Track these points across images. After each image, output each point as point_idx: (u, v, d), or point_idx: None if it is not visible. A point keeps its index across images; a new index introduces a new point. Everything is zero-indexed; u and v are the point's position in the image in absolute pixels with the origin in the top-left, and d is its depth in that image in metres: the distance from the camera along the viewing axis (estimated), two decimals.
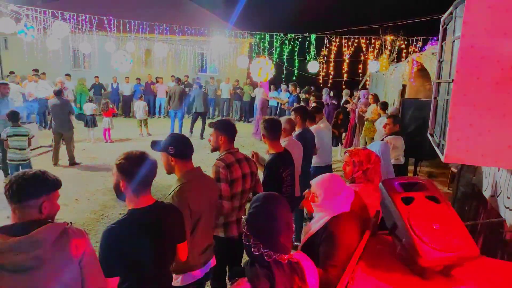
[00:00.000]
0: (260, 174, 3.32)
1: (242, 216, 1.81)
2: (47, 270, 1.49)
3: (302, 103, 8.01)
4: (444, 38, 3.75)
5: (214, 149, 2.98)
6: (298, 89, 12.70)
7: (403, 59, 11.50)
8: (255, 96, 15.13)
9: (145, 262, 1.94)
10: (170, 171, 2.46)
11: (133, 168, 1.90)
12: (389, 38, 12.50)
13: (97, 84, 15.39)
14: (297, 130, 4.59)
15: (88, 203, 6.06)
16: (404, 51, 11.71)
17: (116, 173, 1.94)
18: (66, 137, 8.11)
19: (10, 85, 9.69)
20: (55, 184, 1.66)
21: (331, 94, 12.47)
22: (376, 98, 8.35)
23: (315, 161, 4.88)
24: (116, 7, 19.05)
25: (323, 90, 12.36)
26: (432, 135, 3.64)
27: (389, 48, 12.55)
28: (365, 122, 8.46)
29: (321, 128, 5.15)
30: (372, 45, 11.97)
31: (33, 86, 12.33)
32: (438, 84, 3.71)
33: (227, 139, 2.92)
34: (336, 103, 12.01)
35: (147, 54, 17.00)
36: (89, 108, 10.42)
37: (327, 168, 5.03)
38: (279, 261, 1.47)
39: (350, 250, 2.14)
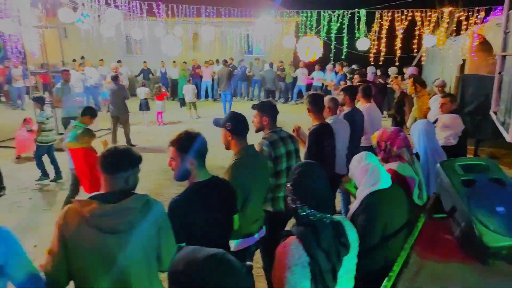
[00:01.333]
0: (302, 151, 3.47)
1: (287, 183, 1.90)
2: (135, 234, 1.70)
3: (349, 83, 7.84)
4: (510, 7, 3.44)
5: (258, 130, 3.13)
6: (345, 68, 12.34)
7: (462, 32, 10.68)
8: (296, 77, 15.02)
9: (206, 230, 2.09)
10: (227, 146, 2.69)
11: (193, 145, 2.09)
12: (446, 9, 11.60)
13: (146, 69, 15.90)
14: (346, 110, 4.53)
15: (145, 183, 6.40)
16: (464, 23, 10.84)
17: (176, 152, 2.10)
18: (122, 120, 8.58)
19: (71, 72, 10.36)
20: (139, 159, 1.87)
21: (378, 72, 11.96)
22: (415, 76, 8.03)
23: (364, 141, 4.75)
24: None
25: (368, 69, 11.93)
26: (496, 113, 3.40)
27: (447, 20, 11.66)
28: (415, 101, 7.84)
29: (371, 108, 4.96)
30: (428, 18, 11.20)
31: (93, 72, 13.08)
32: (504, 57, 3.43)
33: (270, 119, 3.06)
34: (383, 81, 11.44)
35: (194, 37, 17.26)
36: (142, 92, 10.87)
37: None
38: (323, 220, 1.68)
39: (387, 224, 2.19)
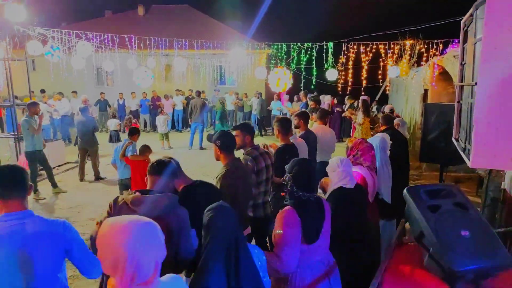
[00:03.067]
0: None
1: (282, 179, 2.56)
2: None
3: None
4: (465, 41, 3.67)
5: (239, 147, 3.50)
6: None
7: (423, 63, 11.29)
8: (251, 105, 15.65)
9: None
10: (217, 158, 3.13)
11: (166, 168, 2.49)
12: (408, 42, 12.30)
13: (103, 100, 15.49)
14: (300, 132, 5.15)
15: None
16: (425, 54, 11.48)
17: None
18: (91, 153, 8.34)
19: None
20: (162, 171, 2.39)
21: (335, 101, 12.78)
22: (364, 104, 8.90)
23: (319, 157, 5.37)
24: (136, 26, 19.67)
25: (321, 96, 12.71)
26: (457, 140, 3.54)
27: (409, 52, 12.34)
28: (357, 127, 8.92)
29: (324, 128, 5.73)
30: (391, 50, 11.81)
31: (58, 104, 12.81)
32: (461, 87, 3.62)
33: (250, 137, 3.54)
34: (340, 110, 12.49)
35: (167, 69, 17.37)
36: (113, 124, 10.68)
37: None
38: (310, 198, 2.39)
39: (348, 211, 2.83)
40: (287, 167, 2.56)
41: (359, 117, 8.73)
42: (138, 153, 5.58)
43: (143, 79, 9.82)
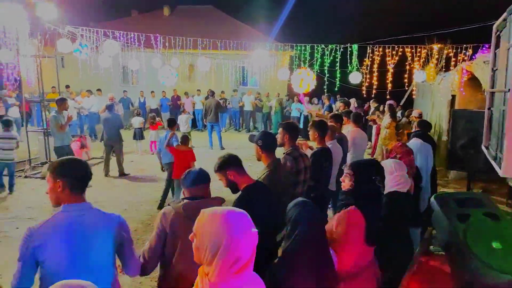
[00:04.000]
0: None
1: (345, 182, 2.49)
2: None
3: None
4: (497, 46, 3.56)
5: (279, 145, 3.52)
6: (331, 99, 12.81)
7: (452, 68, 11.01)
8: (271, 106, 15.70)
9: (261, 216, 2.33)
10: (259, 159, 3.17)
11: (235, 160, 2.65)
12: (436, 46, 12.00)
13: (125, 98, 16.00)
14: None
15: (137, 212, 6.30)
16: (453, 59, 11.18)
17: (221, 174, 2.63)
18: (116, 149, 8.53)
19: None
20: (208, 178, 2.44)
21: (356, 104, 12.72)
22: (391, 108, 8.83)
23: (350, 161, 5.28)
24: (162, 26, 19.98)
25: (351, 100, 12.68)
26: (487, 148, 3.44)
27: (436, 57, 12.04)
28: (382, 130, 8.85)
29: (359, 132, 5.62)
30: (418, 54, 11.56)
31: (86, 101, 13.18)
32: (492, 93, 3.52)
33: (290, 137, 3.52)
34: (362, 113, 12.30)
35: (190, 68, 17.56)
36: (137, 122, 10.91)
37: None
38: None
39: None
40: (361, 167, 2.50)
41: (386, 121, 8.62)
42: (180, 143, 6.42)
43: (168, 78, 9.95)
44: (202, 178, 2.39)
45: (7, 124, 7.30)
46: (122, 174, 8.55)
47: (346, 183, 2.46)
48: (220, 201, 2.31)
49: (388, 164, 2.95)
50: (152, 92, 16.07)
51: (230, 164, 2.60)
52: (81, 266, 1.85)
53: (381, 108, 11.90)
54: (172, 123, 6.86)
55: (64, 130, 7.32)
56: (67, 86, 14.57)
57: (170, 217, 2.18)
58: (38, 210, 6.23)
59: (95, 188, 7.61)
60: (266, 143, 3.09)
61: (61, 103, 7.47)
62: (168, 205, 2.28)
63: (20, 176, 8.11)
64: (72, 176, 1.93)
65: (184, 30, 17.25)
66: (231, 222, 1.34)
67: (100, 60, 12.33)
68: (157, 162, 7.15)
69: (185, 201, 2.24)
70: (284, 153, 3.51)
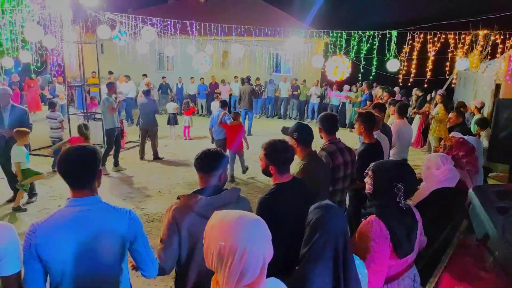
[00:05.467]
0: None
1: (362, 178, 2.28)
2: None
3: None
4: None
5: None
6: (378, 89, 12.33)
7: (498, 55, 10.37)
8: (310, 95, 15.23)
9: (287, 224, 2.11)
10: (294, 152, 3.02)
11: (278, 153, 2.37)
12: (481, 32, 11.32)
13: (164, 84, 16.46)
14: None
15: (170, 195, 6.49)
16: (500, 46, 10.52)
17: (264, 159, 2.41)
18: (151, 133, 8.79)
19: (103, 86, 10.72)
20: (227, 160, 2.23)
21: (400, 94, 12.38)
22: (444, 98, 8.52)
23: (393, 155, 4.96)
24: (197, 12, 20.12)
25: (395, 88, 12.34)
26: None
27: (482, 43, 11.36)
28: (433, 124, 8.62)
29: (404, 124, 5.25)
30: (462, 41, 10.96)
31: (123, 86, 13.61)
32: None
33: (322, 130, 3.34)
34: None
35: (224, 55, 17.64)
36: (171, 107, 11.15)
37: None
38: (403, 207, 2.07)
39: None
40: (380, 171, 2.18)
41: (441, 113, 8.26)
42: (232, 119, 7.28)
43: (202, 64, 10.03)
44: (219, 163, 2.12)
45: (53, 105, 7.94)
46: (156, 158, 8.81)
47: (367, 186, 2.18)
48: (236, 194, 2.12)
49: (433, 159, 2.75)
50: (192, 78, 16.35)
51: (271, 158, 2.37)
52: (86, 265, 1.72)
53: (427, 97, 11.45)
54: (224, 104, 7.63)
55: (115, 112, 7.75)
56: (110, 72, 15.08)
57: (182, 214, 1.99)
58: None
59: (130, 171, 7.90)
60: (302, 136, 2.91)
61: (111, 87, 7.92)
62: (178, 198, 2.09)
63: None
64: (69, 173, 1.78)
65: (219, 16, 17.30)
66: (240, 230, 1.23)
67: (137, 46, 12.65)
68: (190, 146, 7.32)
69: (199, 197, 2.02)
70: (320, 148, 3.29)
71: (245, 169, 7.52)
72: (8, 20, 9.77)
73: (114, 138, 7.75)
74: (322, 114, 3.51)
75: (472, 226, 2.39)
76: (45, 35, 9.25)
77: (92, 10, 9.67)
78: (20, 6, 9.35)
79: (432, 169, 2.72)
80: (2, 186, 6.27)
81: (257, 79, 16.16)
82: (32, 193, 6.01)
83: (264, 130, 12.83)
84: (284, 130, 3.07)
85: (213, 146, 6.62)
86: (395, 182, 2.03)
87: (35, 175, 5.69)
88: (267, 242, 1.28)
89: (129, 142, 10.27)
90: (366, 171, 2.21)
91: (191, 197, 2.02)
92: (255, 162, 8.56)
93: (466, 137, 3.85)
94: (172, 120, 11.14)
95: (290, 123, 3.21)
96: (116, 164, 7.93)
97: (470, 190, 2.44)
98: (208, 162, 2.10)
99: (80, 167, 1.77)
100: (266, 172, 2.44)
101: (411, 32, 11.08)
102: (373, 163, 2.21)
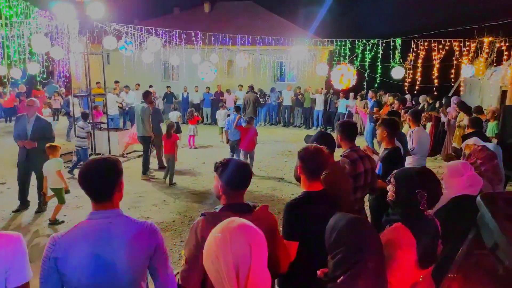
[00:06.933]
0: None
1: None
2: None
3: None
4: None
5: (338, 146, 3.36)
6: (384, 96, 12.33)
7: (503, 62, 10.34)
8: (315, 103, 15.31)
9: (316, 232, 2.04)
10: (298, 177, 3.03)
11: (306, 161, 2.36)
12: (486, 39, 11.30)
13: (169, 93, 16.59)
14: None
15: (175, 204, 6.48)
16: (505, 53, 10.48)
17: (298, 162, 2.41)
18: (156, 142, 8.80)
19: (108, 96, 10.86)
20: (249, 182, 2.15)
21: (413, 101, 12.22)
22: (460, 105, 8.34)
23: (411, 163, 4.87)
24: (202, 22, 20.33)
25: (406, 97, 12.19)
26: None
27: (487, 50, 11.33)
28: (456, 129, 8.36)
29: (420, 131, 5.16)
30: (467, 48, 10.94)
31: (127, 96, 13.70)
32: None
33: (343, 138, 3.31)
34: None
35: (229, 64, 17.76)
36: (174, 116, 11.19)
37: None
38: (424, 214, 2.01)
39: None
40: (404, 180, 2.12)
41: (465, 120, 7.97)
42: (248, 123, 8.26)
43: (207, 74, 10.10)
44: (245, 182, 2.06)
45: (85, 116, 8.49)
46: (161, 166, 8.81)
47: (390, 193, 2.14)
48: (260, 213, 2.01)
49: (453, 166, 2.70)
50: (196, 87, 16.48)
51: (301, 163, 2.37)
52: (105, 280, 1.67)
53: (437, 104, 11.34)
54: (238, 109, 8.82)
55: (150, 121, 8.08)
56: (116, 82, 15.22)
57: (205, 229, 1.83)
58: (84, 199, 6.57)
59: (135, 180, 7.91)
60: (324, 145, 2.79)
61: (147, 95, 8.19)
62: (204, 215, 1.95)
63: (68, 166, 8.60)
64: (89, 186, 1.76)
65: (223, 26, 17.48)
66: (222, 246, 1.22)
67: (143, 56, 12.78)
68: (195, 155, 7.31)
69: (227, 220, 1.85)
70: (341, 155, 3.26)
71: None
72: (16, 33, 9.93)
73: (152, 145, 8.38)
74: (342, 122, 3.47)
75: (481, 235, 2.34)
76: (52, 46, 9.38)
77: (99, 22, 9.81)
78: (28, 18, 9.50)
79: (454, 177, 2.68)
80: (10, 196, 6.28)
81: (260, 90, 16.29)
82: (41, 207, 6.01)
83: (270, 137, 12.81)
84: (307, 139, 3.06)
85: (227, 148, 7.22)
86: (418, 190, 1.97)
87: (60, 198, 5.62)
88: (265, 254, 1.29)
89: (134, 151, 10.30)
90: (388, 178, 2.17)
91: (221, 215, 1.79)
92: (259, 170, 8.56)
93: (485, 143, 3.77)
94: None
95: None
96: (160, 164, 8.80)
97: (478, 198, 2.39)
98: (246, 180, 2.06)
99: (100, 179, 1.74)
100: (297, 178, 2.46)
101: (415, 40, 11.09)
102: (395, 171, 2.18)
